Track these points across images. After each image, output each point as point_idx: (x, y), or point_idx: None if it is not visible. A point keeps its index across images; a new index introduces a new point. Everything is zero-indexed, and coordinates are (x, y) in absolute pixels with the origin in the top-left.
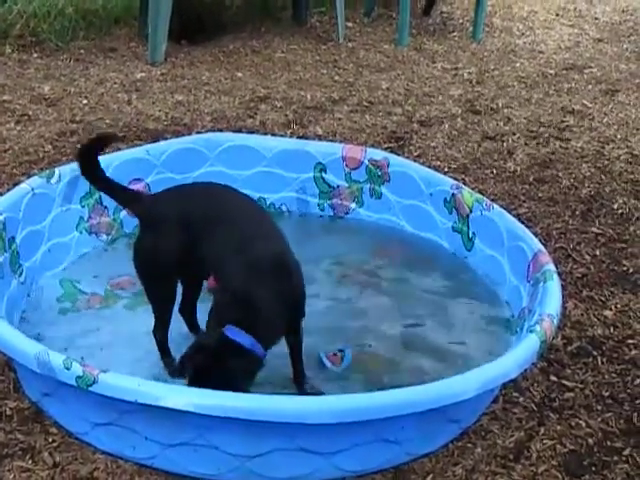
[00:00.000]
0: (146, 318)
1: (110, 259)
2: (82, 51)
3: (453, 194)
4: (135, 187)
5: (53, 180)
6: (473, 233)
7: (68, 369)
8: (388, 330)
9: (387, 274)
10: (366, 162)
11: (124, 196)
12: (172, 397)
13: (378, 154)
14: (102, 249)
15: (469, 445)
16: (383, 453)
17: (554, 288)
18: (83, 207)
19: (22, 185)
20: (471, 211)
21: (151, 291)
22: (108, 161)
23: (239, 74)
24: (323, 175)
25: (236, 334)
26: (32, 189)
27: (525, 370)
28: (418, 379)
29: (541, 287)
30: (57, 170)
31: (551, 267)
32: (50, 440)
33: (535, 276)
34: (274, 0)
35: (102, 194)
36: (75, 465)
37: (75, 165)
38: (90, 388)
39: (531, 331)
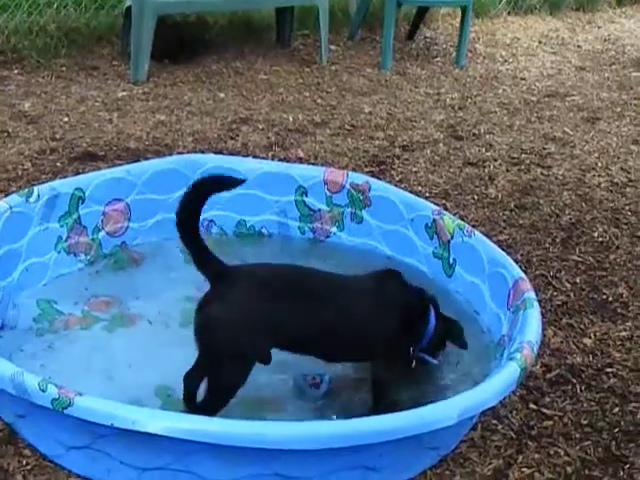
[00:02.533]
0: (124, 341)
1: (88, 280)
2: (64, 68)
3: (434, 219)
4: (115, 207)
5: (32, 199)
6: (454, 259)
7: (44, 391)
8: None
9: None
10: (348, 186)
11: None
12: (148, 421)
13: (360, 178)
14: (81, 269)
15: (447, 472)
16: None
17: (534, 316)
18: (62, 227)
19: (0, 203)
20: (452, 237)
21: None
22: (88, 180)
23: (221, 95)
24: (304, 198)
25: None
26: (10, 207)
27: (504, 398)
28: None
29: (521, 314)
30: (36, 189)
31: (531, 295)
32: (24, 463)
33: (515, 303)
34: (258, 21)
35: (81, 214)
36: None
37: (55, 184)
38: (65, 411)
39: (511, 359)
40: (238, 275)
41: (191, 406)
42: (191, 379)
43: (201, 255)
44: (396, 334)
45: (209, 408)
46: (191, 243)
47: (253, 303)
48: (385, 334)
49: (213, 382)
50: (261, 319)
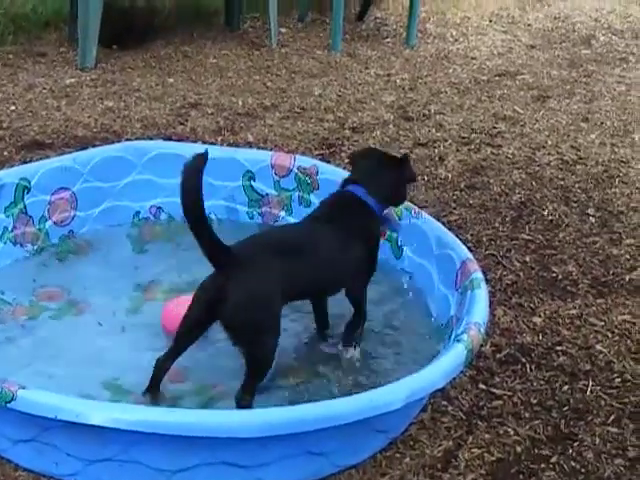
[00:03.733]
0: (72, 331)
1: (36, 270)
2: (10, 56)
3: None
4: (61, 196)
5: None
6: (402, 241)
7: None
8: (313, 340)
9: None
10: (295, 170)
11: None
12: (92, 413)
13: (307, 162)
14: (27, 259)
15: (397, 455)
16: (309, 465)
17: (481, 296)
18: (7, 217)
19: None
20: (400, 218)
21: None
22: (34, 169)
23: (170, 80)
24: (252, 183)
25: None
26: None
27: (453, 379)
28: (345, 390)
29: (468, 295)
30: None
31: (479, 275)
32: None
33: (463, 284)
34: (206, 5)
35: (27, 204)
36: None
37: (0, 173)
38: (9, 405)
39: (458, 340)
40: (242, 254)
41: (154, 393)
42: (162, 365)
43: (209, 243)
44: (362, 254)
45: (253, 386)
46: (199, 230)
47: (266, 275)
48: (356, 258)
49: (256, 358)
50: (276, 286)
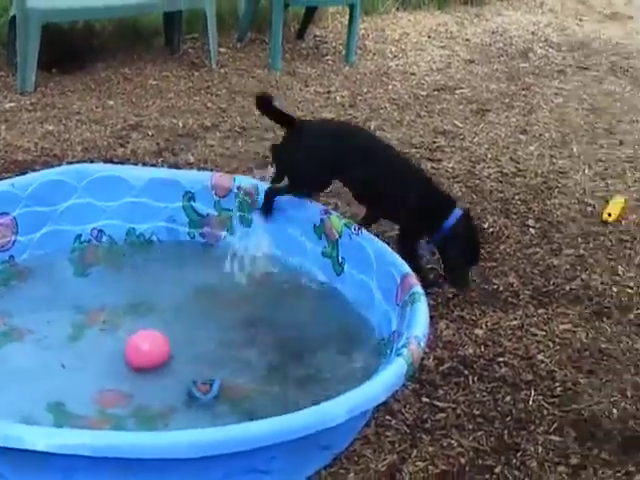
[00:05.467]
0: (13, 355)
1: None
2: None
3: (322, 219)
4: (1, 221)
5: None
6: (342, 258)
7: None
8: (256, 359)
9: (257, 301)
10: (235, 190)
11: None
12: (31, 438)
13: (247, 182)
14: None
15: (341, 471)
16: None
17: (421, 310)
18: None
19: None
20: (340, 236)
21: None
22: None
23: (111, 102)
24: (192, 204)
25: None
26: None
27: (396, 392)
28: (288, 407)
29: (409, 310)
30: None
31: (418, 289)
32: None
33: (403, 299)
34: (146, 26)
35: None
36: None
37: None
38: None
39: (398, 354)
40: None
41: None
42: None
43: (278, 117)
44: (415, 213)
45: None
46: (269, 114)
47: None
48: (408, 207)
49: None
50: (328, 153)
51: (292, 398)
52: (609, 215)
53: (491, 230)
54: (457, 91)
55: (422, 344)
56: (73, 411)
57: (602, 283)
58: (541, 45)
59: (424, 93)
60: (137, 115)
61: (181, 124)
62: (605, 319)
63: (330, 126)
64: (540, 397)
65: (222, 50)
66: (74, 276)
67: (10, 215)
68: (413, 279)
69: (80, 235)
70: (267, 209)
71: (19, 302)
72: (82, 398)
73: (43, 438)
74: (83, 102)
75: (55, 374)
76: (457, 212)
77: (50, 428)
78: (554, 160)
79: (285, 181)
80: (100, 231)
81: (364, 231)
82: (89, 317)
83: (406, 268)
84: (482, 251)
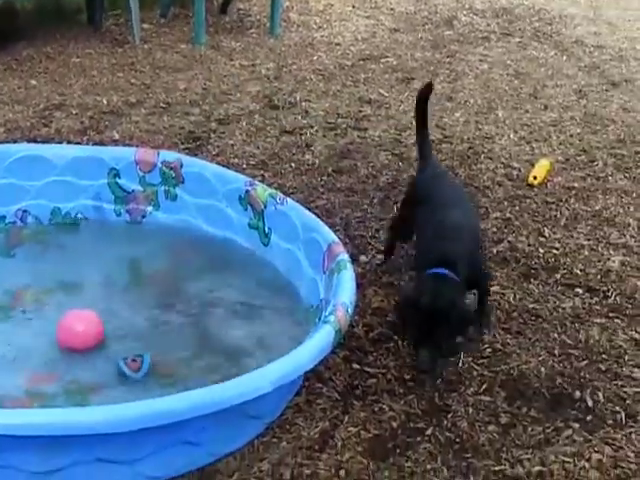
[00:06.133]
0: None
1: None
2: None
3: (247, 190)
4: None
5: None
6: (269, 228)
7: None
8: (186, 330)
9: (185, 274)
10: (159, 164)
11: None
12: None
13: (171, 156)
14: None
15: (274, 440)
16: (185, 456)
17: (347, 277)
18: None
19: None
20: (265, 206)
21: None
22: None
23: (33, 82)
24: (117, 180)
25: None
26: None
27: (327, 360)
28: (216, 378)
29: (335, 277)
30: None
31: (345, 257)
32: None
33: (330, 267)
34: (68, 4)
35: None
36: None
37: None
38: None
39: (325, 322)
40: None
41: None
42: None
43: (423, 144)
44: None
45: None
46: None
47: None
48: None
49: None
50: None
51: (223, 370)
52: (534, 178)
53: None
54: (382, 60)
55: (350, 310)
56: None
57: (529, 245)
58: (465, 12)
59: (349, 63)
60: (60, 94)
61: (105, 101)
62: (532, 280)
63: None
64: (469, 359)
65: (145, 26)
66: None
67: None
68: (339, 247)
69: (4, 216)
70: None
71: None
72: (10, 380)
73: None
74: (5, 82)
75: None
76: None
77: None
78: (480, 126)
79: None
80: (25, 212)
81: (289, 200)
82: (15, 298)
83: (332, 236)
84: None
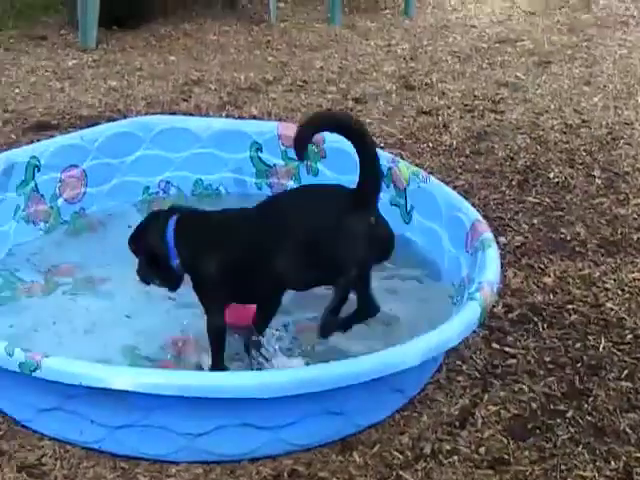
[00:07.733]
0: (88, 303)
1: (48, 247)
2: (12, 40)
3: (390, 167)
4: (71, 173)
5: None
6: (411, 206)
7: (10, 355)
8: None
9: None
10: None
11: None
12: (116, 378)
13: None
14: (40, 237)
15: (415, 414)
16: (330, 425)
17: (492, 256)
18: (19, 196)
19: None
20: (408, 184)
21: None
22: (43, 148)
23: (172, 58)
24: (259, 154)
25: None
26: None
27: (467, 338)
28: (361, 350)
29: (479, 256)
30: None
31: (489, 235)
32: None
33: (474, 245)
34: None
35: (38, 182)
36: (22, 452)
37: (10, 153)
38: (34, 374)
39: (471, 298)
40: None
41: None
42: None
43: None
44: None
45: None
46: None
47: None
48: None
49: None
50: None
51: (365, 341)
52: None
53: (556, 180)
54: (518, 43)
55: (495, 289)
56: (147, 355)
57: None
58: None
59: (485, 45)
60: (199, 70)
61: (243, 78)
62: None
63: None
64: (610, 344)
65: (281, 5)
66: None
67: (80, 167)
68: (483, 225)
69: (148, 187)
70: None
71: (91, 253)
72: (153, 343)
73: (124, 377)
74: (145, 58)
75: (129, 320)
76: None
77: (131, 368)
78: (619, 111)
79: None
80: (168, 182)
81: (432, 178)
82: None
83: (476, 215)
84: (548, 201)
